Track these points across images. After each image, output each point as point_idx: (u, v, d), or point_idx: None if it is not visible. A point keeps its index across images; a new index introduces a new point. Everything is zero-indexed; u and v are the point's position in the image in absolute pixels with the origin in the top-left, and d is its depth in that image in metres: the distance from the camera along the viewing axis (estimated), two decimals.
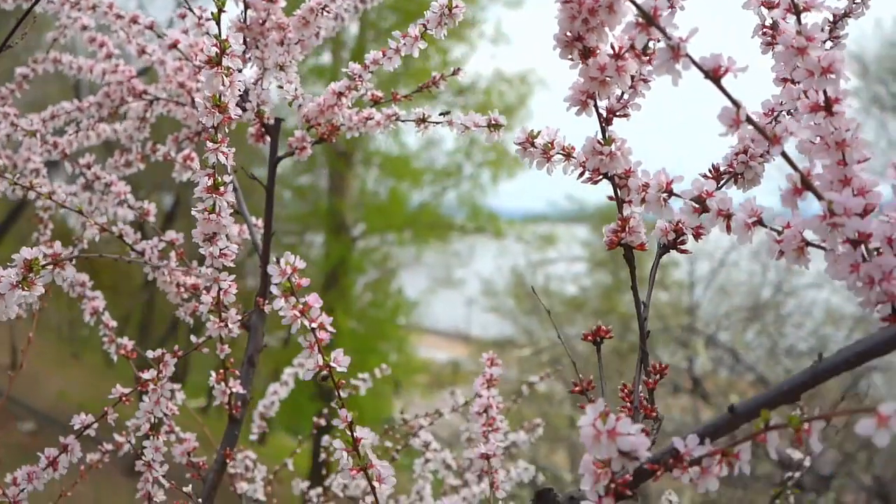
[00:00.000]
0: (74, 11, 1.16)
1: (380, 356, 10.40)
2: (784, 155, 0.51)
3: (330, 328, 0.63)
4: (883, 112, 9.18)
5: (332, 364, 0.64)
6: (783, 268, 7.92)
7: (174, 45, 1.05)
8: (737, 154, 0.69)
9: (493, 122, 0.85)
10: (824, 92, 0.54)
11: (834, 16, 0.74)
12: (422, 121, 0.95)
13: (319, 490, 1.34)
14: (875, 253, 0.52)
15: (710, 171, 0.70)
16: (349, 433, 0.65)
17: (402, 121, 0.97)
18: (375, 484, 0.65)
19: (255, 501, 1.24)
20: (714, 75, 0.51)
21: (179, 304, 1.04)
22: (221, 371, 0.96)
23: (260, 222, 1.13)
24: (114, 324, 1.09)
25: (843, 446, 6.22)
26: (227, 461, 1.00)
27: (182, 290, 1.03)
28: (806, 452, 1.07)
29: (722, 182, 0.69)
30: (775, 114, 0.70)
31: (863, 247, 0.53)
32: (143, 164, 1.23)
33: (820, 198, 0.51)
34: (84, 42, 1.21)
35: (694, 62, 0.51)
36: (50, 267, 0.66)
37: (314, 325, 0.63)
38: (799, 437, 0.46)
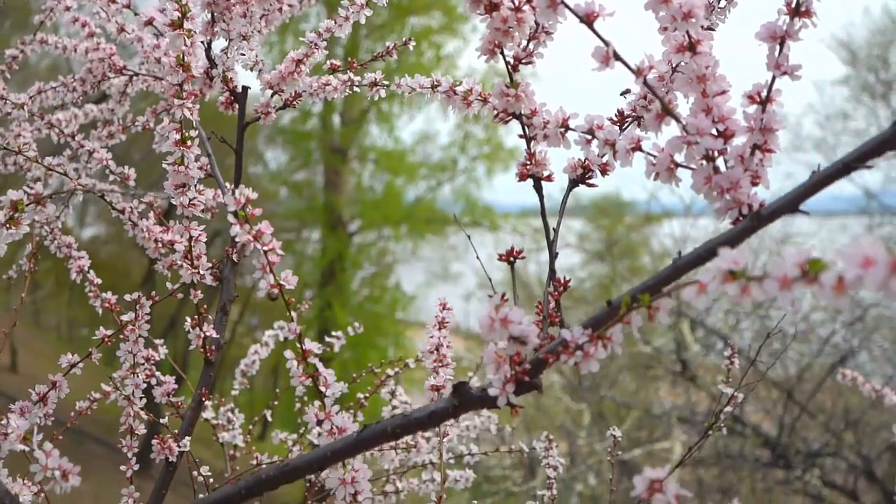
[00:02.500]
0: None
1: (378, 351, 10.49)
2: (646, 85, 0.61)
3: (280, 251, 0.72)
4: (873, 100, 9.26)
5: (282, 283, 0.73)
6: (773, 252, 8.02)
7: (149, 22, 1.13)
8: (639, 99, 0.78)
9: (435, 83, 0.94)
10: (687, 34, 0.63)
11: None
12: (374, 84, 1.05)
13: (295, 436, 1.44)
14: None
15: (615, 114, 0.79)
16: (298, 345, 0.75)
17: (357, 86, 1.06)
18: (322, 388, 0.74)
19: (234, 447, 1.34)
20: (588, 20, 0.60)
21: (158, 259, 1.13)
22: (196, 317, 1.06)
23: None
24: (98, 281, 1.18)
25: (830, 426, 6.34)
26: (204, 400, 1.09)
27: (160, 245, 1.12)
28: (736, 388, 1.17)
29: (626, 124, 0.79)
30: (673, 64, 0.79)
31: (723, 163, 0.63)
32: (125, 136, 1.32)
33: (678, 121, 0.61)
34: (67, 22, 1.30)
35: (569, 8, 0.60)
36: (33, 206, 0.76)
37: (266, 248, 0.72)
38: (651, 315, 0.55)
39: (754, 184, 0.61)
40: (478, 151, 11.78)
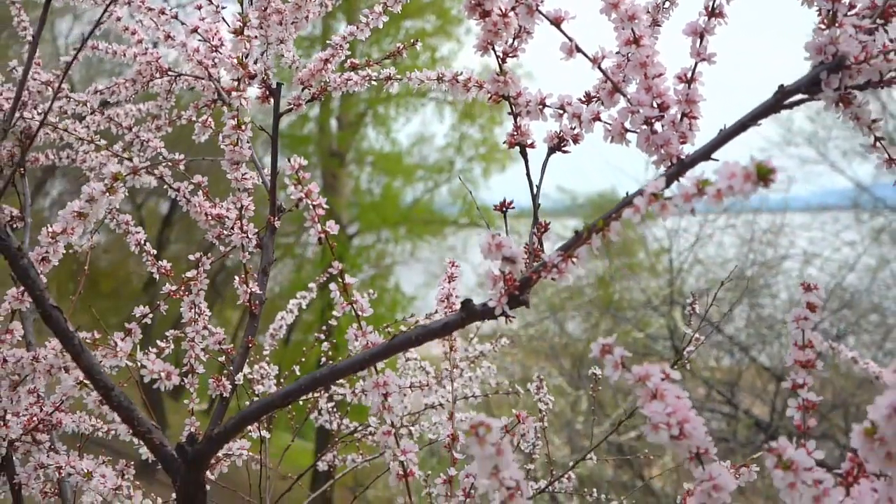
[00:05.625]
0: (112, 6, 1.45)
1: None
2: (601, 70, 0.82)
3: (325, 206, 0.93)
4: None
5: (327, 229, 0.94)
6: (764, 243, 8.25)
7: (195, 30, 1.34)
8: (600, 83, 0.99)
9: (440, 76, 1.15)
10: (632, 31, 0.84)
11: None
12: (388, 79, 1.26)
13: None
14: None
15: (583, 95, 1.00)
16: (341, 280, 0.95)
17: (375, 80, 1.28)
18: (359, 312, 0.95)
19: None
20: (556, 22, 0.81)
21: (208, 229, 1.34)
22: (244, 275, 1.27)
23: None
24: (154, 251, 1.39)
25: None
26: (250, 346, 1.30)
27: (209, 218, 1.33)
28: (695, 330, 1.37)
29: (592, 102, 0.99)
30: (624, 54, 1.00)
31: (660, 127, 0.84)
32: (171, 128, 1.53)
33: (624, 96, 0.82)
34: (119, 30, 1.51)
35: (543, 14, 0.81)
36: (131, 175, 0.96)
37: (314, 203, 0.93)
38: (604, 235, 0.76)
39: (683, 142, 0.82)
40: (474, 152, 12.01)
